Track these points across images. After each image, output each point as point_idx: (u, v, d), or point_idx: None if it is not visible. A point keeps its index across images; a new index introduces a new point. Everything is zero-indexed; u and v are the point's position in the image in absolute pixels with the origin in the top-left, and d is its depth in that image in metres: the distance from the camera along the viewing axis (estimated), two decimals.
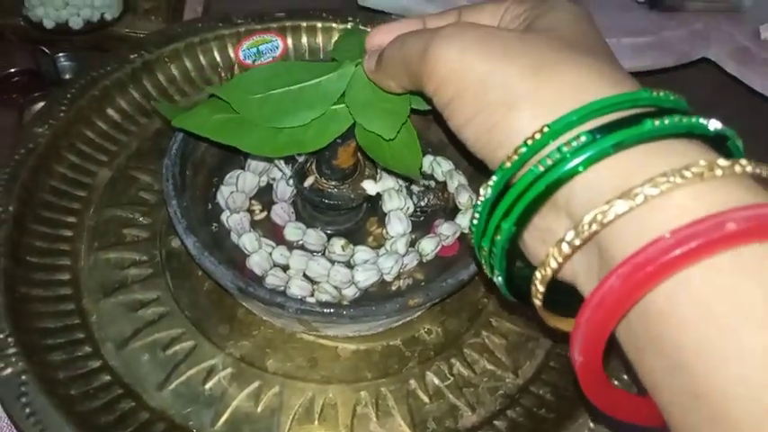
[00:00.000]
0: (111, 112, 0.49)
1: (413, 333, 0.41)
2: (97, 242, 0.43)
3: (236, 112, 0.35)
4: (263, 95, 0.35)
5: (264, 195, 0.43)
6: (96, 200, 0.45)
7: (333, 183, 0.39)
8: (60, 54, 0.68)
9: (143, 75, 0.50)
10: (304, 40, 0.55)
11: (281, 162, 0.39)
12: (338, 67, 0.36)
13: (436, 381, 0.39)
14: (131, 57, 0.50)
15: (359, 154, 0.39)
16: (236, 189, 0.41)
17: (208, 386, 0.37)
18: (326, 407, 0.37)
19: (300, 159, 0.39)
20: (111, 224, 0.44)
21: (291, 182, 0.40)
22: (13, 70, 0.64)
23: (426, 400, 0.38)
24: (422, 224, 0.42)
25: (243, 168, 0.42)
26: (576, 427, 0.36)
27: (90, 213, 0.44)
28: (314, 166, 0.39)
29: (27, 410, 0.33)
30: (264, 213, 0.42)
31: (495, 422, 0.38)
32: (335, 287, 0.38)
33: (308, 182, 0.39)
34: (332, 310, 0.35)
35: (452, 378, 0.39)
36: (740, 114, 0.80)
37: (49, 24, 0.66)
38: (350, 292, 0.39)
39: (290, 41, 0.54)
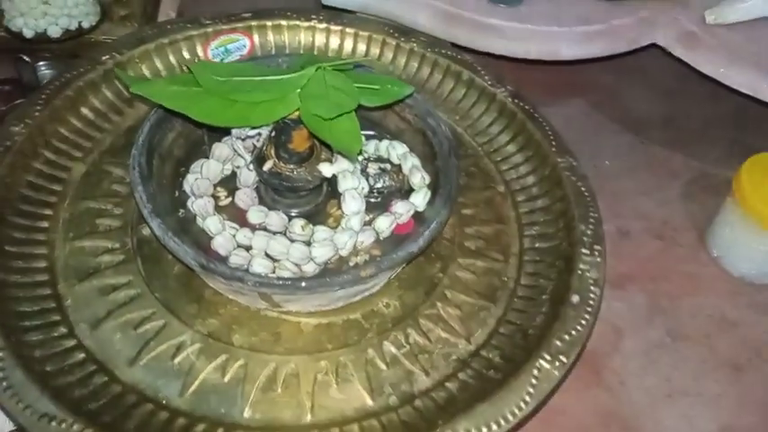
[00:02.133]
0: (84, 111, 0.51)
1: (372, 307, 0.44)
2: (72, 232, 0.45)
3: (192, 88, 0.37)
4: (226, 79, 0.38)
5: (229, 183, 0.45)
6: (71, 193, 0.47)
7: (290, 166, 0.41)
8: (41, 63, 0.70)
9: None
10: (270, 38, 0.57)
11: (241, 147, 0.42)
12: (301, 68, 0.39)
13: (393, 349, 0.42)
14: (103, 58, 0.53)
15: (314, 140, 0.42)
16: (200, 176, 0.43)
17: (177, 360, 0.40)
18: (289, 376, 0.40)
19: (258, 145, 0.41)
20: (85, 215, 0.46)
21: (252, 166, 0.42)
22: None
23: (384, 367, 0.41)
24: (379, 205, 0.45)
25: (207, 158, 0.45)
26: (518, 383, 0.38)
27: (65, 206, 0.47)
28: (273, 151, 0.42)
29: (4, 384, 0.36)
30: (229, 199, 0.45)
31: (447, 384, 0.40)
32: (295, 264, 0.41)
33: (267, 166, 0.41)
34: (288, 282, 0.37)
35: (408, 346, 0.42)
36: (698, 102, 0.82)
37: (28, 34, 0.69)
38: (309, 269, 0.41)
39: (256, 40, 0.57)
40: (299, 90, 0.37)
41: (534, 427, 0.49)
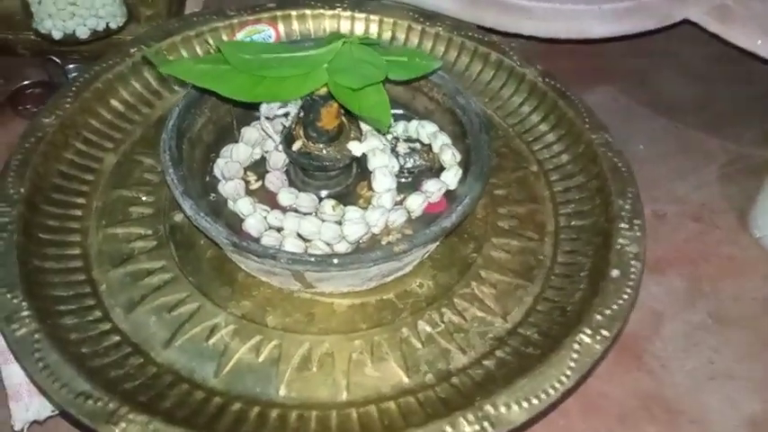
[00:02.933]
0: (114, 102, 0.52)
1: (405, 287, 0.43)
2: (105, 220, 0.45)
3: (220, 66, 0.37)
4: (254, 56, 0.38)
5: (259, 167, 0.45)
6: (103, 182, 0.48)
7: (320, 145, 0.41)
8: (70, 65, 0.71)
9: (143, 67, 0.53)
10: (295, 27, 0.57)
11: (270, 128, 0.42)
12: (326, 44, 0.39)
13: (428, 328, 0.41)
14: (131, 51, 0.53)
15: (343, 117, 0.41)
16: (230, 159, 0.43)
17: (211, 342, 0.40)
18: (323, 356, 0.39)
19: (287, 124, 0.41)
20: (117, 204, 0.46)
21: (281, 147, 0.42)
22: (26, 83, 0.68)
23: (419, 345, 0.40)
24: (410, 185, 0.45)
25: (237, 142, 0.45)
26: (558, 358, 0.37)
27: (98, 195, 0.47)
28: (301, 131, 0.41)
29: (40, 365, 0.36)
30: (260, 183, 0.44)
31: (485, 362, 0.39)
32: (327, 243, 0.41)
33: (296, 146, 0.41)
34: (321, 258, 0.37)
35: (443, 325, 0.41)
36: (731, 83, 0.80)
37: (57, 35, 0.70)
38: (341, 248, 0.41)
39: (281, 29, 0.57)
40: (326, 64, 0.37)
41: (576, 411, 0.48)
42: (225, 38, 0.56)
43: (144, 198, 0.46)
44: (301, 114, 0.40)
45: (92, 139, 0.49)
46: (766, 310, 0.59)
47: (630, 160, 0.52)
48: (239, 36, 0.56)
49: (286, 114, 0.41)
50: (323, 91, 0.38)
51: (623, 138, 0.72)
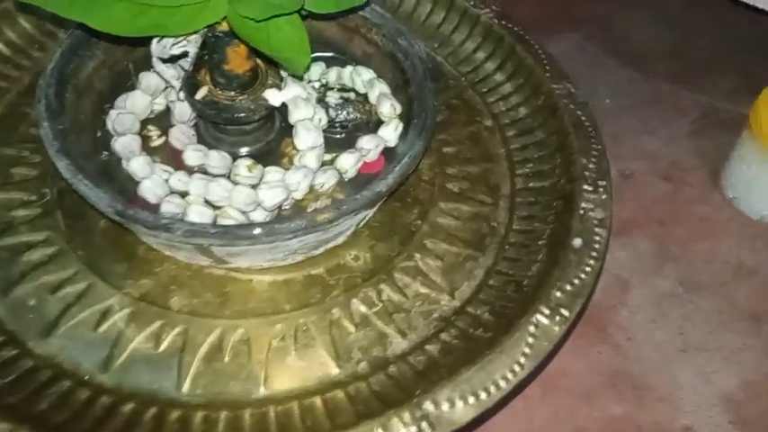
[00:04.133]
0: None
1: (338, 260, 0.37)
2: None
3: None
4: None
5: (164, 120, 0.38)
6: None
7: (230, 93, 0.34)
8: None
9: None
10: None
11: (165, 70, 0.35)
12: None
13: (363, 308, 0.35)
14: None
15: (257, 61, 0.35)
16: (124, 110, 0.36)
17: (102, 329, 0.33)
18: (238, 343, 0.33)
19: (188, 68, 0.34)
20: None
21: (182, 95, 0.35)
22: None
23: (352, 329, 0.34)
24: (342, 142, 0.38)
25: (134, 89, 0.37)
26: (511, 342, 0.32)
27: None
28: (207, 76, 0.34)
29: None
30: (163, 139, 0.37)
31: (428, 347, 0.34)
32: (240, 211, 0.34)
33: (201, 93, 0.34)
34: (225, 229, 0.30)
35: (381, 304, 0.35)
36: (704, 31, 0.75)
37: None
38: (258, 216, 0.34)
39: None
40: None
41: (533, 392, 0.44)
42: None
43: (29, 156, 0.39)
44: (205, 55, 0.33)
45: None
46: (739, 275, 0.55)
47: (595, 115, 0.47)
48: None
49: (184, 55, 0.34)
50: (226, 26, 0.31)
51: (588, 90, 0.66)
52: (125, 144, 0.35)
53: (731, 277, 0.55)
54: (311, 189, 0.36)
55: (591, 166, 0.39)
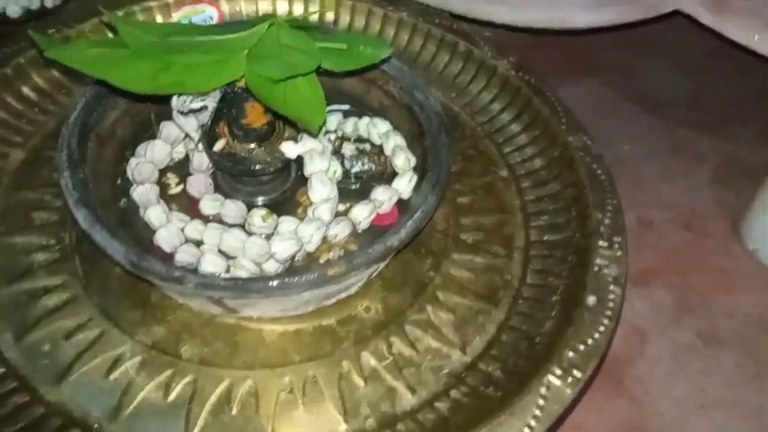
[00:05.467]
0: (26, 90, 0.45)
1: (349, 311, 0.37)
2: (3, 227, 0.39)
3: (118, 50, 0.31)
4: (159, 39, 0.32)
5: (183, 169, 0.39)
6: (6, 183, 0.41)
7: (247, 146, 0.35)
8: None
9: None
10: (242, 7, 0.51)
11: (185, 123, 0.35)
12: (251, 26, 0.32)
13: (373, 362, 0.35)
14: (49, 32, 0.46)
15: (274, 115, 0.35)
16: (144, 159, 0.37)
17: (112, 377, 0.33)
18: (246, 395, 0.33)
19: (206, 120, 0.35)
20: (20, 207, 0.40)
21: (201, 146, 0.36)
22: None
23: (361, 383, 0.34)
24: (358, 192, 0.38)
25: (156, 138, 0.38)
26: (522, 404, 0.31)
27: None
28: (225, 129, 0.35)
29: None
30: (181, 187, 0.38)
31: (437, 404, 0.33)
32: (254, 262, 0.34)
33: (219, 145, 0.35)
34: (237, 283, 0.31)
35: (391, 358, 0.35)
36: (725, 79, 0.75)
37: None
38: (270, 267, 0.35)
39: (225, 9, 0.51)
40: (246, 51, 0.31)
41: None
42: (160, 19, 0.49)
43: (50, 201, 0.40)
44: (224, 109, 0.34)
45: None
46: (761, 329, 0.54)
47: (614, 161, 0.46)
48: (176, 17, 0.49)
49: (203, 109, 0.34)
50: (244, 82, 0.32)
51: (607, 137, 0.66)
52: (143, 193, 0.35)
53: (752, 331, 0.54)
54: (324, 240, 0.36)
55: (606, 221, 0.38)
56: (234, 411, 0.33)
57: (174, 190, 0.38)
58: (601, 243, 0.37)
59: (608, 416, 0.48)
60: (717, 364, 0.52)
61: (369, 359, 0.35)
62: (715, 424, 0.48)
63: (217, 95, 0.34)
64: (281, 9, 0.51)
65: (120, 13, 0.47)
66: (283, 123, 0.36)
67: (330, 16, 0.51)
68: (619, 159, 0.68)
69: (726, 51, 0.67)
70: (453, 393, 0.34)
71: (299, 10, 0.51)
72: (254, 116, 0.34)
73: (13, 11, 0.63)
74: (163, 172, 0.38)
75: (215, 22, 0.50)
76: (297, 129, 0.36)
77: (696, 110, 0.74)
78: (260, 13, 0.51)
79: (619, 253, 0.37)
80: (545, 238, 0.40)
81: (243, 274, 0.34)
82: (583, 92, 0.74)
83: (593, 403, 0.50)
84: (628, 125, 0.72)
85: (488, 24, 0.54)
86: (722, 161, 0.68)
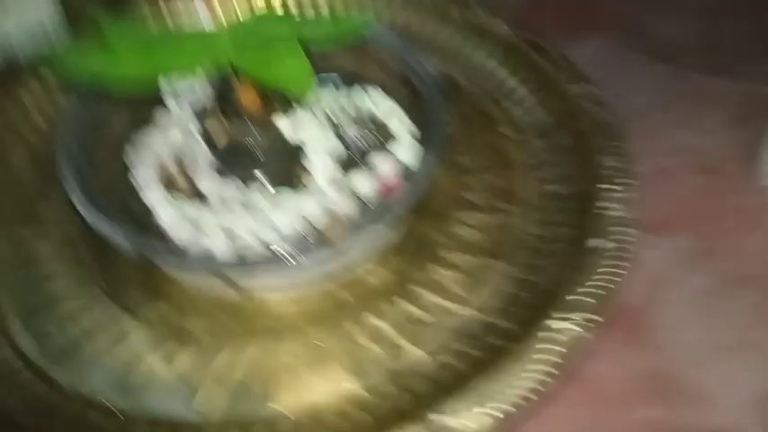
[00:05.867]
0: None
1: (353, 276, 0.37)
2: (9, 218, 0.41)
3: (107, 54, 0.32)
4: (145, 40, 0.33)
5: (181, 151, 0.39)
6: (11, 178, 0.43)
7: (244, 129, 0.36)
8: None
9: None
10: (234, 5, 0.51)
11: (182, 110, 0.36)
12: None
13: (377, 322, 0.35)
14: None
15: (266, 95, 0.36)
16: (142, 145, 0.38)
17: (119, 352, 0.34)
18: (249, 361, 0.34)
19: (197, 107, 0.36)
20: (24, 199, 0.42)
21: (198, 138, 0.36)
22: None
23: (366, 343, 0.35)
24: (359, 164, 0.38)
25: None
26: (529, 350, 0.31)
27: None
28: (221, 114, 0.36)
29: None
30: (179, 169, 0.39)
31: (443, 357, 0.33)
32: (256, 236, 0.35)
33: (215, 130, 0.35)
34: (240, 259, 0.31)
35: (396, 318, 0.35)
36: (736, 18, 0.73)
37: None
38: (273, 241, 0.35)
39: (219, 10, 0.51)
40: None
41: (566, 398, 0.43)
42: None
43: (53, 193, 0.41)
44: (216, 98, 0.35)
45: None
46: None
47: (628, 113, 0.46)
48: None
49: (195, 94, 0.35)
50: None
51: (619, 90, 0.65)
52: (142, 177, 0.36)
53: None
54: (329, 213, 0.36)
55: (611, 164, 0.38)
56: (239, 377, 0.33)
57: (174, 172, 0.39)
58: (607, 186, 0.37)
59: (630, 365, 0.48)
60: (738, 306, 0.51)
61: (374, 320, 0.35)
62: (739, 365, 0.47)
63: (207, 87, 0.34)
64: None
65: None
66: (277, 102, 0.36)
67: (324, 9, 0.51)
68: (631, 111, 0.67)
69: None
70: (459, 346, 0.34)
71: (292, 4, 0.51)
72: (247, 99, 0.34)
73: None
74: (161, 158, 0.39)
75: None
76: (291, 104, 0.37)
77: (709, 53, 0.72)
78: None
79: (626, 195, 0.36)
80: (550, 188, 0.40)
81: (245, 249, 0.34)
82: (590, 50, 0.73)
83: (612, 352, 0.49)
84: (640, 77, 0.70)
85: None
86: (739, 101, 0.66)
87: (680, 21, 0.73)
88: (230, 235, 0.35)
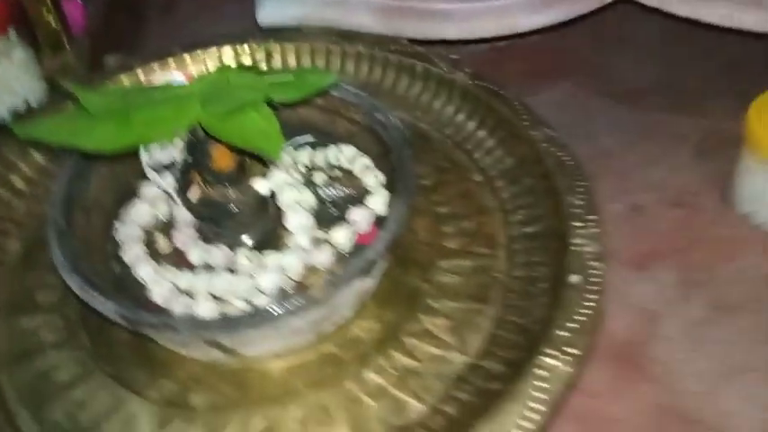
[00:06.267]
0: (16, 180, 0.48)
1: (348, 335, 0.38)
2: (10, 310, 0.41)
3: (80, 118, 0.33)
4: (119, 101, 0.34)
5: (167, 224, 0.41)
6: (8, 270, 0.43)
7: (221, 190, 0.36)
8: None
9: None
10: (207, 67, 0.53)
11: (161, 180, 0.37)
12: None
13: (377, 378, 0.35)
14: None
15: (244, 157, 0.37)
16: (128, 222, 0.38)
17: None
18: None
19: (176, 175, 0.37)
20: (23, 291, 0.42)
21: (178, 200, 0.37)
22: None
23: (368, 401, 0.35)
24: (337, 219, 0.40)
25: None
26: (521, 388, 0.31)
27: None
28: (198, 178, 0.37)
29: None
30: (168, 242, 0.40)
31: (444, 407, 0.34)
32: (245, 300, 0.35)
33: (193, 194, 0.36)
34: (228, 320, 0.32)
35: (395, 372, 0.36)
36: (692, 60, 0.76)
37: None
38: (262, 302, 0.36)
39: (194, 72, 0.53)
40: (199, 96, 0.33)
41: None
42: None
43: (51, 280, 0.42)
44: (191, 159, 0.36)
45: None
46: None
47: (597, 155, 0.47)
48: None
49: (174, 163, 0.36)
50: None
51: (586, 133, 0.67)
52: (132, 254, 0.37)
53: (763, 292, 0.53)
54: (311, 269, 0.37)
55: (578, 202, 0.39)
56: None
57: (162, 246, 0.39)
58: (576, 224, 0.38)
59: (635, 402, 0.48)
60: (734, 332, 0.52)
61: (373, 377, 0.36)
62: (744, 391, 0.48)
63: (182, 147, 0.36)
64: (246, 62, 0.54)
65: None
66: (251, 162, 0.37)
67: (292, 61, 0.54)
68: (602, 152, 0.69)
69: (684, 32, 0.68)
70: (459, 394, 0.34)
71: (261, 60, 0.54)
72: (222, 159, 0.35)
73: (1, 112, 0.66)
74: (149, 231, 0.40)
75: None
76: (264, 164, 0.38)
77: (668, 93, 0.75)
78: None
79: (595, 230, 0.37)
80: (525, 230, 0.41)
81: (234, 312, 0.35)
82: (558, 95, 0.75)
83: (617, 392, 0.49)
84: (605, 119, 0.72)
85: (444, 43, 0.57)
86: (702, 137, 0.69)
87: (636, 63, 0.77)
88: (219, 301, 0.35)
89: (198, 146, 0.35)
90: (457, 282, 0.39)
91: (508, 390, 0.32)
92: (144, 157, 0.36)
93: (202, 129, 0.33)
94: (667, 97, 0.72)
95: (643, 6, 0.60)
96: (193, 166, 0.36)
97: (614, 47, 0.78)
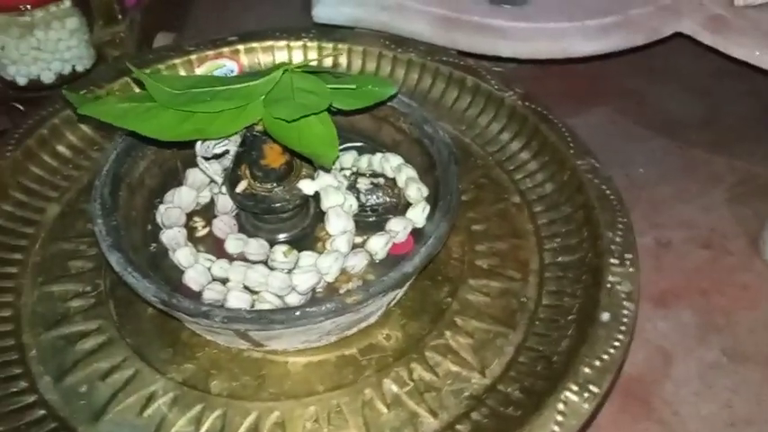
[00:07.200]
0: (61, 148, 0.48)
1: (370, 340, 0.38)
2: (42, 277, 0.41)
3: (145, 103, 0.33)
4: (182, 91, 0.34)
5: (208, 212, 0.41)
6: (44, 235, 0.44)
7: (267, 186, 0.37)
8: None
9: None
10: (260, 59, 0.54)
11: (208, 168, 0.38)
12: (267, 74, 0.35)
13: (395, 388, 0.36)
14: (81, 92, 0.50)
15: (292, 155, 0.37)
16: (171, 205, 0.39)
17: (146, 414, 0.35)
18: (273, 426, 0.34)
19: (229, 164, 0.37)
20: (57, 258, 0.42)
21: (224, 189, 0.38)
22: None
23: (384, 409, 0.35)
24: (374, 225, 0.40)
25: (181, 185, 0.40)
26: (540, 421, 0.32)
27: (36, 249, 0.43)
28: (247, 171, 0.37)
29: None
30: (207, 229, 0.40)
31: (459, 426, 0.34)
32: (276, 295, 0.36)
33: (241, 187, 0.37)
34: (260, 315, 0.32)
35: (412, 384, 0.36)
36: (736, 99, 0.76)
37: (21, 81, 0.67)
38: (293, 300, 0.36)
39: (245, 63, 0.54)
40: (263, 96, 0.33)
41: None
42: (183, 74, 0.52)
43: (85, 250, 0.42)
44: (243, 151, 0.36)
45: (34, 188, 0.46)
46: None
47: (630, 185, 0.47)
48: (199, 72, 0.53)
49: (225, 153, 0.36)
50: (262, 126, 0.34)
51: (622, 161, 0.67)
52: (171, 236, 0.37)
53: None
54: (343, 271, 0.37)
55: (617, 239, 0.39)
56: None
57: (201, 232, 0.40)
58: (612, 261, 0.38)
59: None
60: (744, 381, 0.52)
61: (391, 386, 0.36)
62: None
63: (237, 140, 0.36)
64: (297, 58, 0.54)
65: (147, 71, 0.51)
66: (300, 162, 0.38)
67: (343, 61, 0.54)
68: (635, 182, 0.69)
69: (733, 70, 0.68)
70: (474, 415, 0.34)
71: (313, 58, 0.54)
72: (273, 157, 0.36)
73: (47, 77, 0.67)
74: (190, 216, 0.40)
75: (235, 74, 0.53)
76: (313, 166, 0.38)
77: (708, 130, 0.74)
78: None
79: (631, 269, 0.37)
80: (558, 259, 0.41)
81: (267, 306, 0.35)
82: (595, 119, 0.75)
83: (623, 427, 0.50)
84: (642, 149, 0.72)
85: (496, 59, 0.56)
86: (738, 180, 0.69)
87: (680, 97, 0.76)
88: (253, 293, 0.36)
89: (253, 141, 0.35)
90: (484, 302, 0.40)
91: (527, 419, 0.32)
92: (198, 145, 0.36)
93: (261, 129, 0.34)
94: (706, 134, 0.72)
95: (695, 41, 0.60)
96: (244, 160, 0.36)
97: (658, 77, 0.78)
